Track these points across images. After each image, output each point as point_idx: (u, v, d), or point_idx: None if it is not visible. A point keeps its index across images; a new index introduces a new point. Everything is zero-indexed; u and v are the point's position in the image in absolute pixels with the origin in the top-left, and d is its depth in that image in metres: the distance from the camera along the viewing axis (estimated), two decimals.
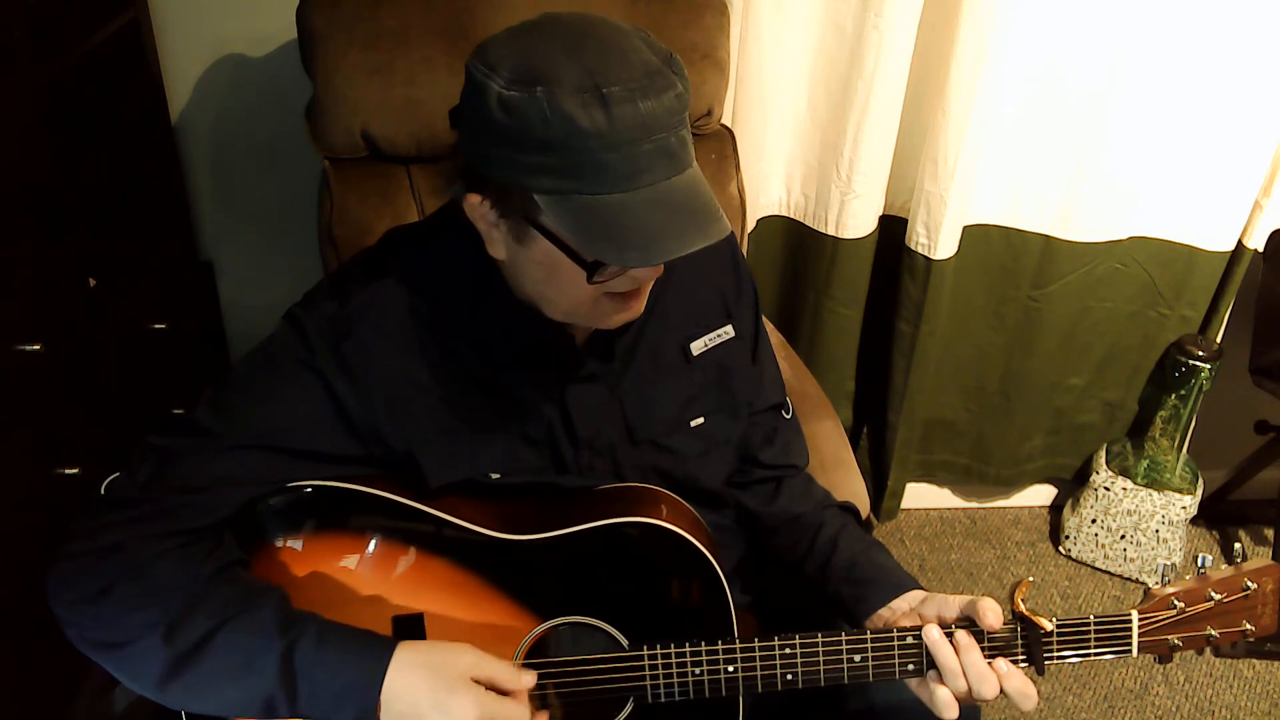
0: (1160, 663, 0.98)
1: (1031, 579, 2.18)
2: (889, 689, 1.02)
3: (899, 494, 2.16)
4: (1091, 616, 0.95)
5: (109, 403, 1.50)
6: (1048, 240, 1.89)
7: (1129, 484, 2.08)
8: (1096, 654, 0.96)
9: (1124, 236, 1.90)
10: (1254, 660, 1.98)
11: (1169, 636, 0.96)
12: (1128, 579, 2.16)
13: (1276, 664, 1.98)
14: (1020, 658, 0.95)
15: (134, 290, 1.61)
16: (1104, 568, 2.18)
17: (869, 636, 0.95)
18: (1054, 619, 0.94)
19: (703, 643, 0.95)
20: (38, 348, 1.26)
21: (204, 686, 0.85)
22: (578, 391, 1.01)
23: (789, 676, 0.95)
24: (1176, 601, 0.95)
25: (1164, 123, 1.78)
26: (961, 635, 0.93)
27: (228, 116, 1.78)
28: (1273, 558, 2.01)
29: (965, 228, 1.86)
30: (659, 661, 0.95)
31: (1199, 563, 0.96)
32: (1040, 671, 0.95)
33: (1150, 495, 2.07)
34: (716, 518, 1.12)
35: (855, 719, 1.06)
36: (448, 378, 0.97)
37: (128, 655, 0.85)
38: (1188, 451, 2.13)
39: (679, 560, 0.98)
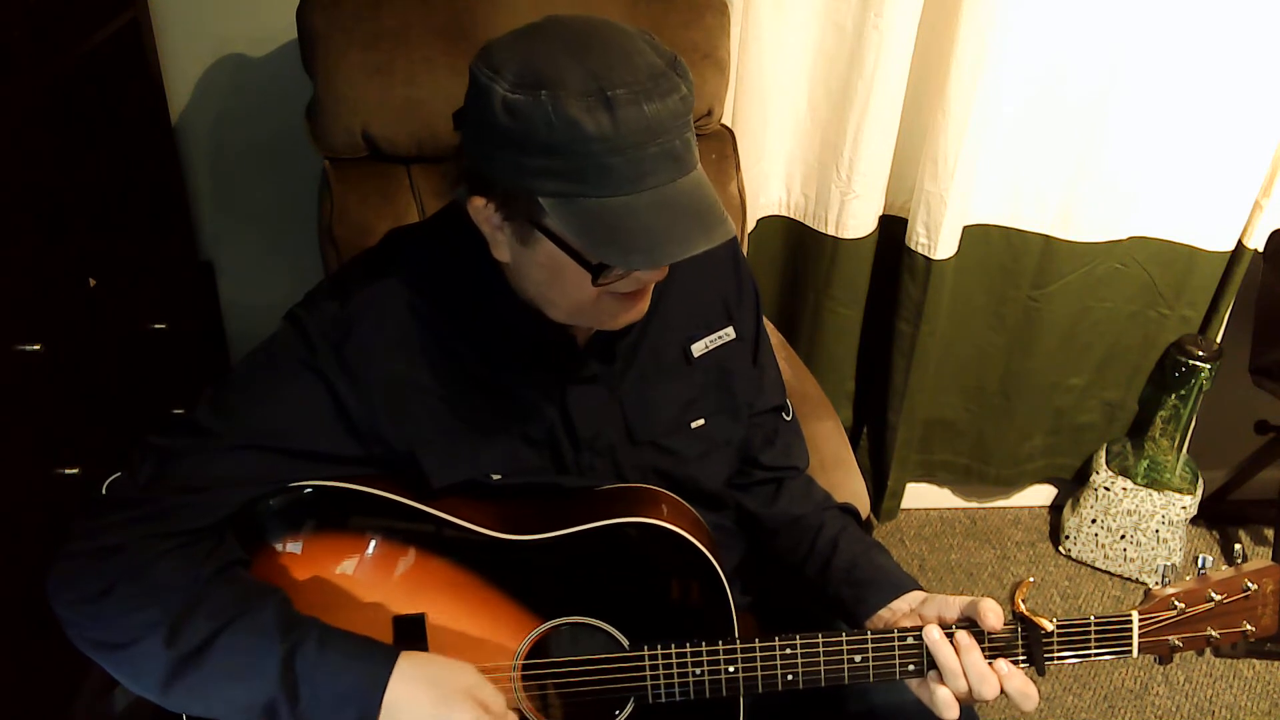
0: (1160, 663, 0.98)
1: (1032, 579, 2.18)
2: (889, 690, 1.02)
3: (899, 494, 2.16)
4: (1092, 617, 0.95)
5: (109, 403, 1.50)
6: (1048, 240, 1.89)
7: (1129, 484, 2.08)
8: (1097, 654, 0.96)
9: (1124, 236, 1.90)
10: (1254, 660, 1.98)
11: (1169, 637, 0.96)
12: (1128, 579, 2.16)
13: (1276, 664, 1.98)
14: (1021, 658, 0.95)
15: (134, 290, 1.61)
16: (1104, 568, 2.18)
17: (869, 637, 0.95)
18: (1054, 619, 0.94)
19: (703, 643, 0.95)
20: (38, 348, 1.26)
21: (207, 688, 0.85)
22: (578, 392, 1.01)
23: (789, 677, 0.95)
24: (1177, 602, 0.95)
25: (1164, 123, 1.78)
26: (962, 636, 0.93)
27: (228, 116, 1.78)
28: (1273, 558, 2.02)
29: (965, 228, 1.86)
30: (659, 662, 0.95)
31: (1199, 563, 0.96)
32: (1041, 672, 0.95)
33: (1150, 495, 2.07)
34: (717, 519, 1.12)
35: None
36: (448, 378, 0.97)
37: (129, 656, 0.85)
38: (1188, 451, 2.13)
39: (679, 560, 0.98)
